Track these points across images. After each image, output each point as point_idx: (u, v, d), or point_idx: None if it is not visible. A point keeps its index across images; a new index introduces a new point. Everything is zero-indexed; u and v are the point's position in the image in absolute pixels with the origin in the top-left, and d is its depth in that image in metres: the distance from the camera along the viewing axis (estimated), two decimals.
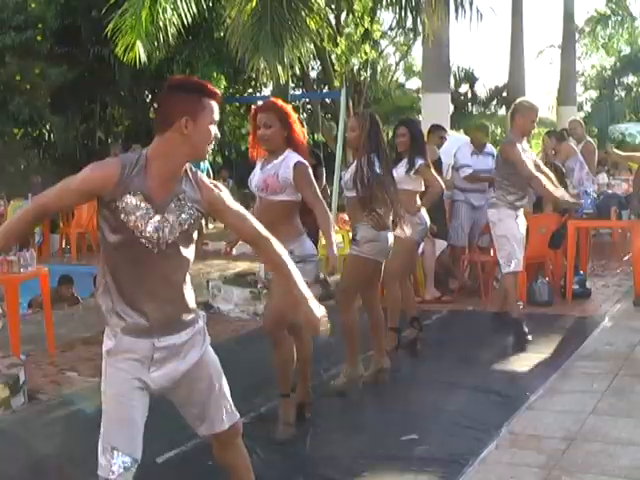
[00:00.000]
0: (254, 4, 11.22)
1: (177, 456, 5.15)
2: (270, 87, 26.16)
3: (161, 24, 12.34)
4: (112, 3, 12.82)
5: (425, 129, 9.65)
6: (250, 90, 26.51)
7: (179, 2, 12.29)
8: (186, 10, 12.42)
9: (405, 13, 12.36)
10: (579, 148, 11.96)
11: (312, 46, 12.89)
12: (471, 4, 11.78)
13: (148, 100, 23.03)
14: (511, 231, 7.80)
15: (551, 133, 12.34)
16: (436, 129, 10.75)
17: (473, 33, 47.91)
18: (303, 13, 11.73)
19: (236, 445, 3.64)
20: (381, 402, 6.28)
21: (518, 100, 8.25)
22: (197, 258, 11.29)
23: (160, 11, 12.19)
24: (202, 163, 15.10)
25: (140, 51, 12.45)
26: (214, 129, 3.28)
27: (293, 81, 28.68)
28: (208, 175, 15.44)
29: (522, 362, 7.23)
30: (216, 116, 3.27)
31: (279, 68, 11.23)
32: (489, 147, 10.77)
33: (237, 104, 26.25)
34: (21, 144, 20.68)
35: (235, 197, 9.06)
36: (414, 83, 36.60)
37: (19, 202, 16.02)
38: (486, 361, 7.24)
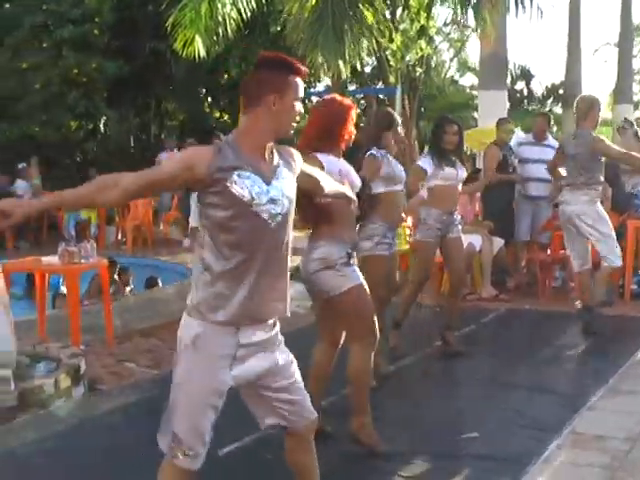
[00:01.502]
0: (314, 1, 11.25)
1: (238, 449, 5.15)
2: (324, 82, 26.27)
3: (220, 19, 12.44)
4: None
5: (482, 126, 9.62)
6: (304, 86, 26.59)
7: None
8: (245, 5, 12.49)
9: (463, 9, 12.29)
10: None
11: (371, 42, 12.87)
12: (532, 2, 11.70)
13: (202, 95, 23.18)
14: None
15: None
16: (502, 123, 10.63)
17: (530, 30, 47.67)
18: (363, 8, 11.73)
19: (310, 443, 3.65)
20: (439, 400, 6.25)
21: (585, 95, 8.24)
22: None
23: (219, 6, 12.28)
24: None
25: (199, 45, 12.54)
26: (299, 105, 3.32)
27: (347, 76, 28.75)
28: None
29: (581, 362, 7.22)
30: (301, 93, 3.32)
31: (340, 63, 11.25)
32: (550, 139, 10.68)
33: None
34: (77, 137, 20.91)
35: None
36: (468, 80, 36.49)
37: None
38: (544, 360, 7.18)
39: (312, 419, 3.60)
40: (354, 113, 5.02)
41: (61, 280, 10.13)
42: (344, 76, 12.40)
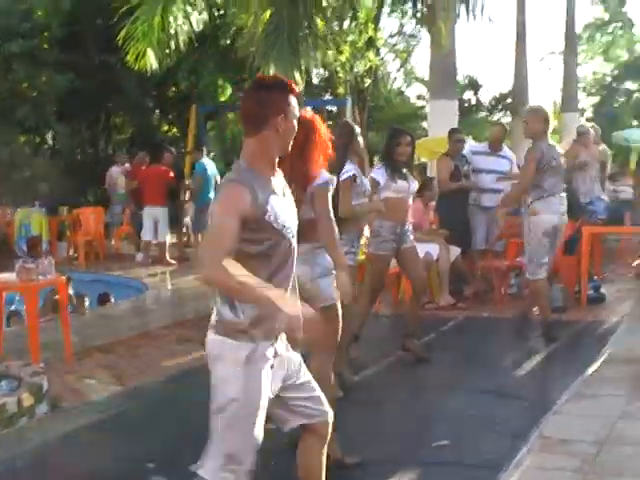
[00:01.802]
0: (269, 14, 11.27)
1: None
2: None
3: (172, 31, 12.40)
4: (124, 11, 12.83)
5: (433, 135, 9.67)
6: None
7: (190, 10, 12.34)
8: (197, 18, 12.48)
9: (418, 20, 12.39)
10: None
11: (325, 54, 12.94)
12: (482, 10, 11.84)
13: (151, 108, 23.08)
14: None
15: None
16: (454, 133, 10.73)
17: (477, 40, 48.06)
18: (318, 20, 11.79)
19: (325, 441, 3.74)
20: (406, 408, 6.28)
21: (534, 105, 8.34)
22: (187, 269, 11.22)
23: (172, 19, 12.25)
24: (210, 171, 15.13)
25: (151, 58, 12.50)
26: (296, 122, 3.43)
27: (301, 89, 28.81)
28: (216, 183, 15.49)
29: (543, 367, 7.30)
30: (297, 110, 3.42)
31: (296, 75, 11.27)
32: (506, 150, 10.80)
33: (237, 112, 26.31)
34: (25, 152, 20.73)
35: None
36: (414, 90, 36.69)
37: (25, 211, 16.06)
38: (507, 366, 7.26)
39: (330, 414, 3.70)
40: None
41: (16, 298, 10.00)
42: (299, 88, 12.40)
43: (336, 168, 5.92)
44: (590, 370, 6.92)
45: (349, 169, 6.26)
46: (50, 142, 22.47)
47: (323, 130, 4.84)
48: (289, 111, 3.36)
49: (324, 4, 12.08)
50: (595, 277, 10.12)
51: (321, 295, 4.84)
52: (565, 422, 5.67)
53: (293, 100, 3.38)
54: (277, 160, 3.44)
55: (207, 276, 3.18)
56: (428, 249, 9.48)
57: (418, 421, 5.90)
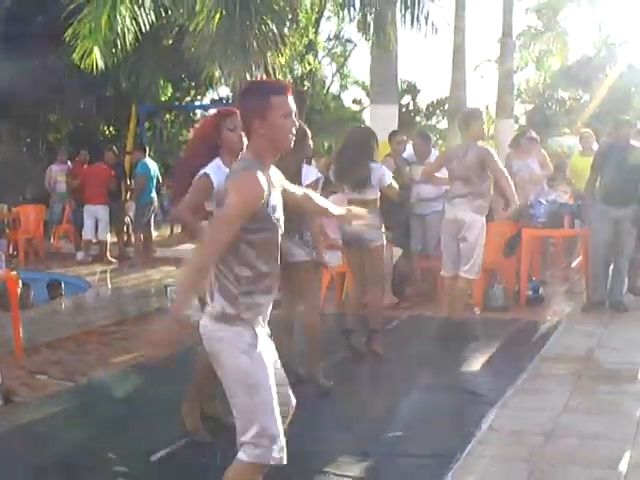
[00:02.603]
0: (219, 15, 11.35)
1: (169, 454, 5.25)
2: (209, 96, 26.32)
3: (119, 30, 12.40)
4: (72, 8, 12.78)
5: None
6: (188, 98, 26.57)
7: (137, 9, 12.36)
8: (144, 16, 12.50)
9: (365, 25, 12.54)
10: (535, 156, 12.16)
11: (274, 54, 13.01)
12: (427, 18, 12.05)
13: (91, 107, 22.93)
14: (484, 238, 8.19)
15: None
16: (394, 135, 10.93)
17: (415, 45, 48.37)
18: (269, 21, 11.90)
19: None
20: (358, 402, 6.44)
21: (470, 108, 8.58)
22: (147, 265, 11.36)
23: (119, 17, 12.25)
24: (152, 170, 15.15)
25: (97, 57, 12.49)
26: (289, 120, 3.49)
27: (232, 91, 28.82)
28: (158, 182, 15.52)
29: (488, 364, 7.52)
30: (288, 108, 3.48)
31: (247, 76, 11.37)
32: (433, 157, 10.93)
33: (175, 112, 26.28)
34: None
35: None
36: (350, 94, 36.89)
37: None
38: (453, 363, 7.46)
39: (293, 405, 3.90)
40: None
41: None
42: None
43: (291, 170, 6.06)
44: (532, 367, 7.18)
45: (313, 172, 6.55)
46: None
47: None
48: (270, 112, 3.45)
49: (275, 7, 12.18)
50: (534, 278, 10.40)
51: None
52: (512, 415, 5.90)
53: (278, 99, 3.46)
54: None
55: (197, 254, 3.39)
56: None
57: (369, 415, 6.06)
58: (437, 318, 8.90)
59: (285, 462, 3.50)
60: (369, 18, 12.30)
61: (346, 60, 36.85)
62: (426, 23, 12.04)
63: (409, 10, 11.94)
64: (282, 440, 3.50)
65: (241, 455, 3.48)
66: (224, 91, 27.75)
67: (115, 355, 8.17)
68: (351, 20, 12.94)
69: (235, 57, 11.11)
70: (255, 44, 11.46)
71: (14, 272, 8.43)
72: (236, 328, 3.48)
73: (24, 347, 8.19)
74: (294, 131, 3.53)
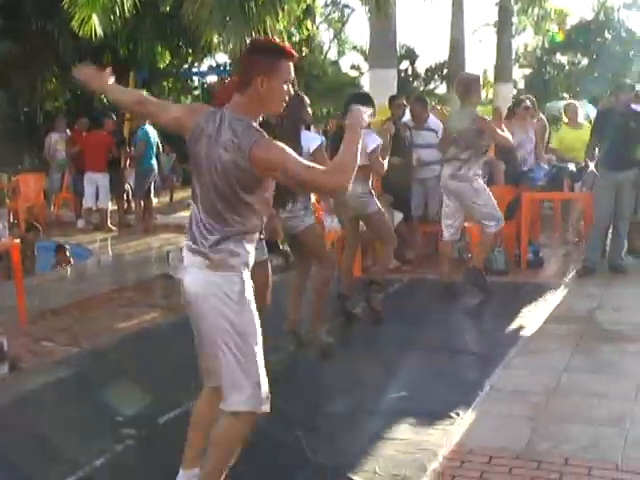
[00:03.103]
0: None
1: (177, 417, 5.28)
2: (207, 63, 26.19)
3: None
4: None
5: None
6: (186, 66, 26.46)
7: None
8: None
9: None
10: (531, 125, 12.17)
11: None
12: None
13: None
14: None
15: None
16: (394, 99, 10.91)
17: (413, 9, 48.06)
18: None
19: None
20: (362, 363, 6.50)
21: (464, 74, 8.63)
22: (148, 232, 11.45)
23: None
24: (152, 137, 15.13)
25: (95, 24, 12.45)
26: (287, 87, 3.61)
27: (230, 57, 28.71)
28: (158, 149, 15.49)
29: (490, 325, 7.63)
30: (291, 75, 3.60)
31: (247, 41, 11.29)
32: (431, 121, 11.02)
33: (173, 79, 26.15)
34: None
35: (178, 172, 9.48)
36: (347, 60, 36.75)
37: None
38: (456, 325, 7.59)
39: None
40: None
41: None
42: None
43: (289, 137, 6.06)
44: (534, 328, 7.25)
45: (316, 137, 6.63)
46: None
47: None
48: (275, 73, 3.52)
49: None
50: (534, 242, 10.44)
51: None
52: (515, 375, 5.98)
53: (285, 64, 3.55)
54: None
55: (334, 188, 3.52)
56: None
57: (373, 375, 6.13)
58: (438, 280, 8.94)
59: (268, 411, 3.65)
60: None
61: (344, 26, 36.76)
62: None
63: None
64: (267, 390, 3.64)
65: (234, 406, 3.58)
66: (222, 58, 27.68)
67: (119, 321, 8.24)
68: None
69: (234, 23, 11.05)
70: (254, 9, 11.41)
71: (16, 240, 8.45)
72: (226, 275, 3.59)
73: (29, 314, 8.22)
74: (287, 99, 3.64)
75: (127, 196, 16.52)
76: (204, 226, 3.60)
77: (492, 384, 5.72)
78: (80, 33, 12.60)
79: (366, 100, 7.62)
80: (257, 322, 3.63)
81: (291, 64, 3.59)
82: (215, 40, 11.95)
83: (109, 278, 10.88)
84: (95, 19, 12.36)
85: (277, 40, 3.78)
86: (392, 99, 10.89)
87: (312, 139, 6.39)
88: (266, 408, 3.63)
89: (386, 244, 7.91)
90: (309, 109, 6.71)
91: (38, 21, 18.38)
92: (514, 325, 7.43)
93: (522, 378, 5.88)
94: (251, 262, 3.69)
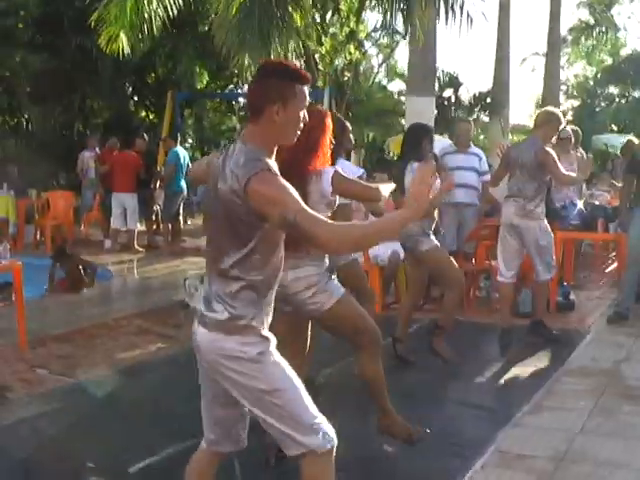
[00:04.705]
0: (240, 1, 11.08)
1: (150, 467, 4.95)
2: None
3: (146, 15, 12.16)
4: None
5: None
6: (231, 86, 26.36)
7: None
8: (172, 2, 12.23)
9: (392, 14, 12.16)
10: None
11: (298, 44, 12.72)
12: (462, 8, 11.61)
13: (129, 92, 22.81)
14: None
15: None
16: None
17: (459, 37, 47.91)
18: (291, 9, 11.56)
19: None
20: (361, 413, 6.06)
21: (548, 108, 8.35)
22: (174, 255, 11.19)
23: (145, 2, 12.00)
24: (183, 159, 14.93)
25: (124, 42, 12.26)
26: (303, 115, 3.27)
27: None
28: (187, 171, 15.24)
29: (506, 376, 7.10)
30: (306, 100, 3.27)
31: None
32: (473, 148, 10.66)
33: (218, 100, 26.02)
34: None
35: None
36: (396, 86, 36.55)
37: None
38: (469, 374, 7.07)
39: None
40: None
41: None
42: None
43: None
44: (553, 381, 6.76)
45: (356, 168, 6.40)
46: (24, 124, 22.14)
47: (331, 127, 4.82)
48: (291, 100, 3.19)
49: None
50: (565, 283, 9.95)
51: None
52: (523, 435, 5.48)
53: (301, 89, 3.22)
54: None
55: (335, 249, 3.24)
56: (395, 248, 9.26)
57: (367, 427, 5.64)
58: (462, 322, 8.50)
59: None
60: (396, 9, 11.83)
61: (392, 51, 36.52)
62: (461, 14, 11.59)
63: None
64: (326, 423, 3.30)
65: (310, 447, 3.24)
66: None
67: (121, 351, 8.01)
68: (385, 10, 12.40)
69: (254, 44, 10.76)
70: (277, 32, 11.12)
71: (19, 262, 8.18)
72: (247, 337, 3.23)
73: (30, 339, 8.00)
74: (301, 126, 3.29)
75: (156, 217, 16.32)
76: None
77: (497, 445, 5.25)
78: (107, 51, 12.37)
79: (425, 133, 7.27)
80: (287, 370, 3.27)
81: (306, 89, 3.24)
82: (246, 62, 11.64)
83: (122, 303, 10.66)
84: (123, 37, 12.13)
85: (291, 62, 3.40)
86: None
87: (351, 170, 5.98)
88: (333, 440, 3.28)
89: (448, 288, 7.37)
90: (351, 135, 6.45)
91: (77, 37, 18.27)
92: (531, 377, 6.95)
93: (531, 439, 5.37)
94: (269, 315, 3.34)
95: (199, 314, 3.30)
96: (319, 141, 4.72)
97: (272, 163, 3.16)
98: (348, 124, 6.33)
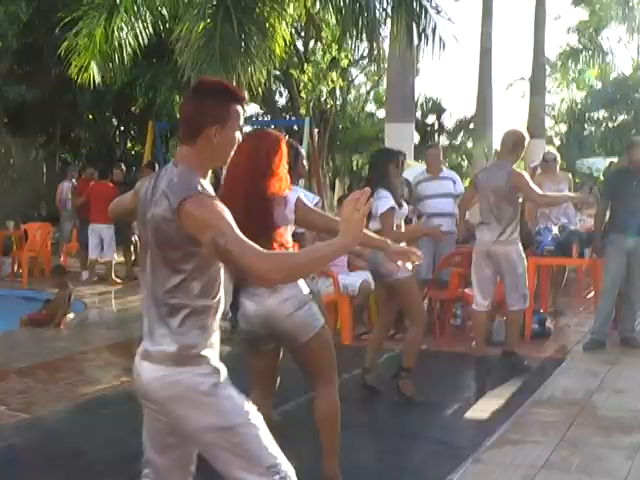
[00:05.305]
0: (202, 25, 10.96)
1: None
2: None
3: (116, 44, 12.00)
4: (67, 21, 12.43)
5: None
6: None
7: (135, 22, 11.95)
8: (142, 29, 12.08)
9: (370, 42, 12.05)
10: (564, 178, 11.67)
11: (277, 72, 12.61)
12: (434, 32, 11.47)
13: (112, 124, 22.69)
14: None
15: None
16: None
17: (442, 64, 47.98)
18: (256, 38, 11.41)
19: None
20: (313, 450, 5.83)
21: (519, 130, 8.21)
22: (133, 289, 10.84)
23: (115, 30, 11.84)
24: None
25: (94, 72, 12.10)
26: (238, 135, 3.12)
27: (261, 108, 28.49)
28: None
29: (474, 407, 6.86)
30: (242, 121, 3.13)
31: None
32: (446, 171, 10.53)
33: None
34: None
35: None
36: (383, 113, 36.51)
37: None
38: (436, 406, 6.83)
39: None
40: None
41: None
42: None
43: None
44: (520, 413, 6.53)
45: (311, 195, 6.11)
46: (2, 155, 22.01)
47: (286, 152, 4.64)
48: (228, 121, 3.03)
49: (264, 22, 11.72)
50: (542, 310, 9.76)
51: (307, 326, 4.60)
52: (483, 472, 5.25)
53: (237, 110, 3.06)
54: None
55: (267, 278, 2.89)
56: (366, 276, 9.06)
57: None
58: (431, 352, 8.30)
59: None
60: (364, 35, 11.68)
61: (380, 78, 36.47)
62: (433, 38, 11.44)
63: (415, 24, 11.32)
64: (286, 463, 3.07)
65: None
66: (253, 108, 27.28)
67: (83, 385, 7.81)
68: (361, 40, 12.27)
69: (214, 70, 10.59)
70: (238, 59, 10.97)
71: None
72: (193, 369, 3.02)
73: None
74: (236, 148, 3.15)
75: (135, 248, 16.12)
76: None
77: None
78: (78, 81, 12.21)
79: (390, 157, 7.11)
80: (243, 404, 3.06)
81: (241, 109, 3.09)
82: None
83: (93, 336, 10.41)
84: (94, 66, 11.97)
85: (225, 81, 3.24)
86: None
87: (308, 198, 5.78)
88: None
89: (411, 323, 7.16)
90: (304, 162, 6.20)
91: (56, 67, 18.14)
92: (499, 409, 6.71)
93: (491, 476, 5.15)
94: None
95: (140, 351, 3.09)
96: (278, 165, 4.55)
97: (207, 185, 2.99)
98: (301, 149, 6.15)
